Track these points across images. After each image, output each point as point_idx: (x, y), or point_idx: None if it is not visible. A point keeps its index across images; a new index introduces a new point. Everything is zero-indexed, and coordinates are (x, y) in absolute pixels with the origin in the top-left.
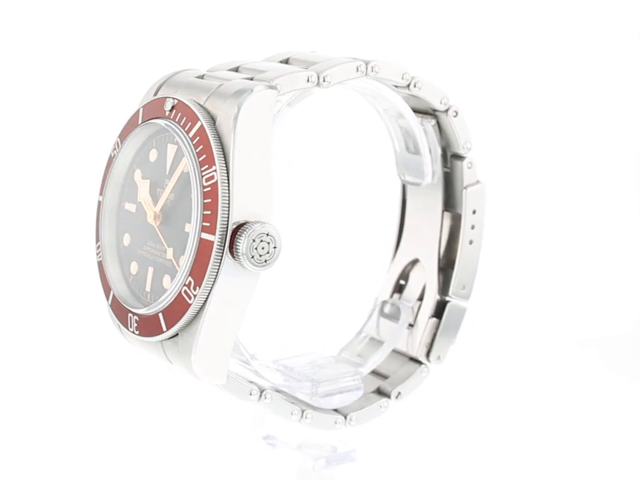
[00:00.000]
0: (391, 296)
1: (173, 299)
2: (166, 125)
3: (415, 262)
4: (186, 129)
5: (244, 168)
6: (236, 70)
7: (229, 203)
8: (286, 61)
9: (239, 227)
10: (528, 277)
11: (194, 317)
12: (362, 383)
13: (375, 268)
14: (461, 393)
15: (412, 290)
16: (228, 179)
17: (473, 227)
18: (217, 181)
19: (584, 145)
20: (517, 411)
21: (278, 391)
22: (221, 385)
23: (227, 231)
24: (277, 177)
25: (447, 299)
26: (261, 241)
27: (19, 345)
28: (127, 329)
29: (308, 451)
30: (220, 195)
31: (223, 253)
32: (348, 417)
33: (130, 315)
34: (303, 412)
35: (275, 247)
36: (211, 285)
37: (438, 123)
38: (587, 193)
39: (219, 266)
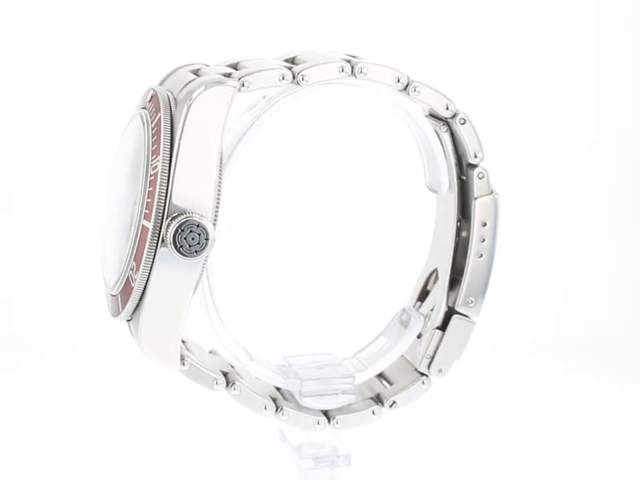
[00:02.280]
0: (414, 304)
1: (124, 282)
2: (140, 114)
3: (436, 271)
4: (151, 119)
5: (186, 160)
6: (235, 66)
7: (166, 193)
8: (292, 60)
9: (174, 217)
10: (522, 278)
11: (139, 301)
12: (354, 388)
13: (395, 272)
14: (458, 395)
15: (431, 299)
16: (169, 170)
17: (483, 240)
18: (157, 171)
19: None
20: (514, 412)
21: (278, 389)
22: (183, 373)
23: (162, 219)
24: (269, 173)
25: (454, 311)
26: (190, 231)
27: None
28: (107, 307)
29: (307, 450)
30: (158, 184)
31: (158, 241)
32: (333, 420)
33: (109, 295)
34: (279, 408)
35: (206, 239)
36: (148, 271)
37: (450, 130)
38: (586, 194)
39: (154, 253)
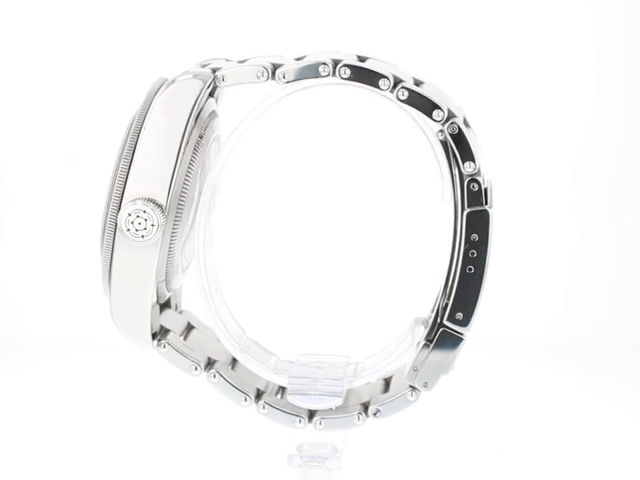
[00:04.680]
0: (428, 314)
1: (102, 262)
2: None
3: None
4: (140, 111)
5: (147, 150)
6: (244, 62)
7: (125, 179)
8: (302, 59)
9: (128, 202)
10: (517, 279)
11: (109, 281)
12: (343, 391)
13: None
14: (454, 395)
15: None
16: (131, 158)
17: (473, 254)
18: (122, 159)
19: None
20: (509, 412)
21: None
22: (162, 355)
23: (120, 204)
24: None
25: (442, 325)
26: (137, 216)
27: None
28: None
29: (306, 449)
30: (119, 170)
31: (115, 225)
32: (315, 420)
33: None
34: (260, 402)
35: (152, 225)
36: (110, 253)
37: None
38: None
39: (113, 236)
